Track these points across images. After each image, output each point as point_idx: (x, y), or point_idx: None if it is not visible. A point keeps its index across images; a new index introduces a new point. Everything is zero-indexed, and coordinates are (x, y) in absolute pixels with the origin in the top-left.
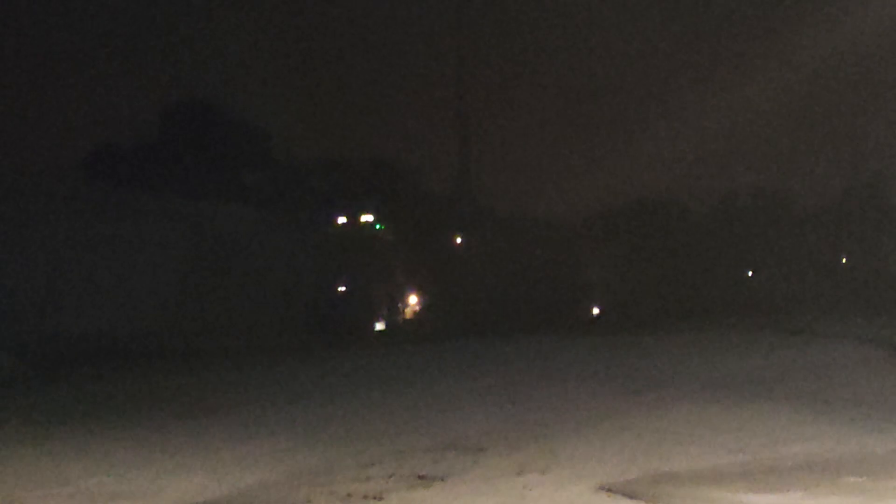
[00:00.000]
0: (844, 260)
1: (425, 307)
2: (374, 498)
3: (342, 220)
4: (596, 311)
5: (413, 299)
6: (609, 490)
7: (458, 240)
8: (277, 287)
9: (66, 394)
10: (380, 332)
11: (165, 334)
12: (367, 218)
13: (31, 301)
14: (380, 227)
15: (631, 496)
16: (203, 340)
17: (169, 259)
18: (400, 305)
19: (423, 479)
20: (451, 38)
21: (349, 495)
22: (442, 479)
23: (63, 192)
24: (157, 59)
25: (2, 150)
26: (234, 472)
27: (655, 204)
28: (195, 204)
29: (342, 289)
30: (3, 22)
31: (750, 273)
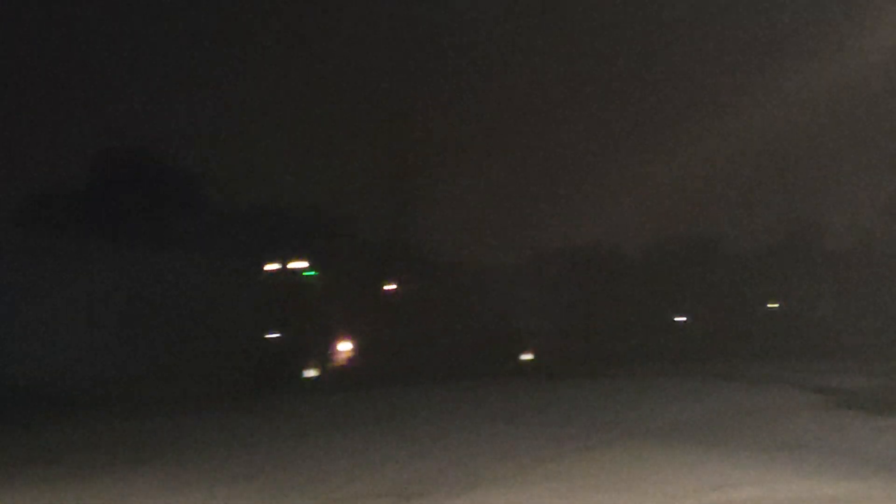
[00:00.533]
0: (777, 304)
1: (357, 354)
2: None
3: (275, 266)
4: (529, 356)
5: (345, 346)
6: None
7: (393, 286)
8: (209, 334)
9: None
10: (311, 379)
11: (99, 382)
12: (299, 265)
13: None
14: (312, 274)
15: None
16: (138, 388)
17: (103, 307)
18: (331, 353)
19: None
20: (389, 85)
21: None
22: None
23: None
24: (89, 106)
25: None
26: None
27: (590, 250)
28: (128, 250)
29: (274, 336)
30: None
31: (683, 318)
